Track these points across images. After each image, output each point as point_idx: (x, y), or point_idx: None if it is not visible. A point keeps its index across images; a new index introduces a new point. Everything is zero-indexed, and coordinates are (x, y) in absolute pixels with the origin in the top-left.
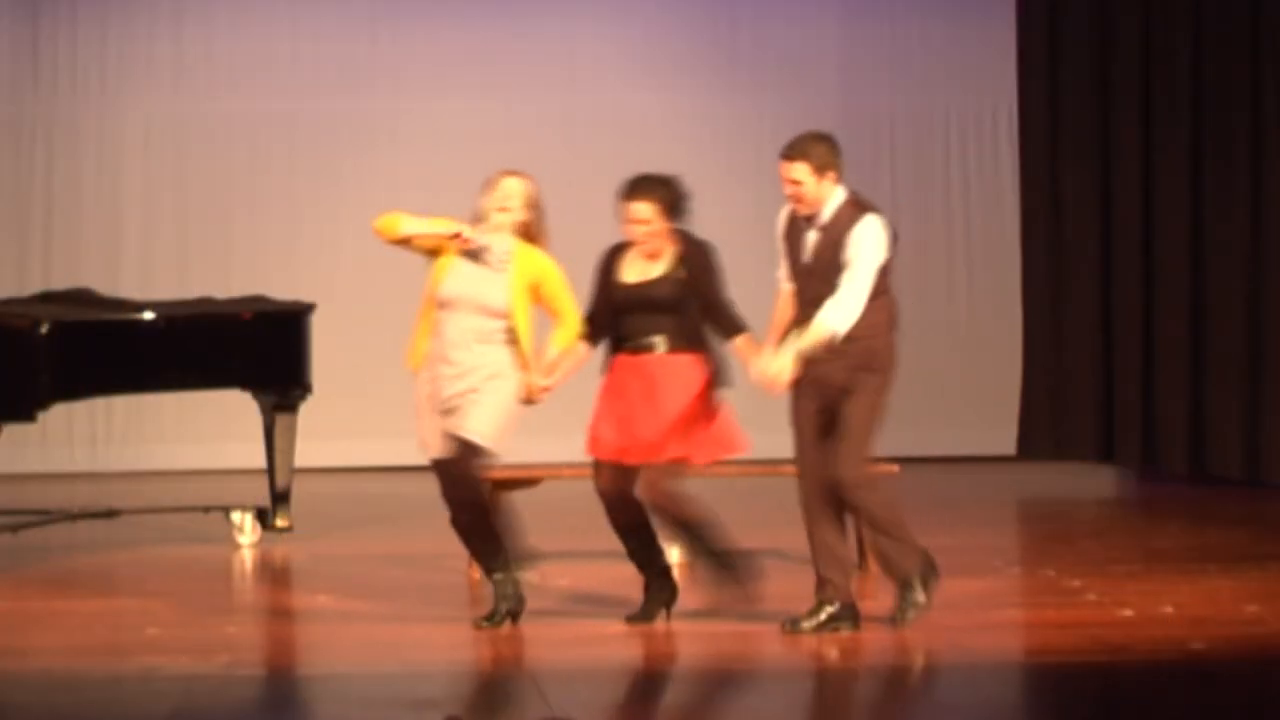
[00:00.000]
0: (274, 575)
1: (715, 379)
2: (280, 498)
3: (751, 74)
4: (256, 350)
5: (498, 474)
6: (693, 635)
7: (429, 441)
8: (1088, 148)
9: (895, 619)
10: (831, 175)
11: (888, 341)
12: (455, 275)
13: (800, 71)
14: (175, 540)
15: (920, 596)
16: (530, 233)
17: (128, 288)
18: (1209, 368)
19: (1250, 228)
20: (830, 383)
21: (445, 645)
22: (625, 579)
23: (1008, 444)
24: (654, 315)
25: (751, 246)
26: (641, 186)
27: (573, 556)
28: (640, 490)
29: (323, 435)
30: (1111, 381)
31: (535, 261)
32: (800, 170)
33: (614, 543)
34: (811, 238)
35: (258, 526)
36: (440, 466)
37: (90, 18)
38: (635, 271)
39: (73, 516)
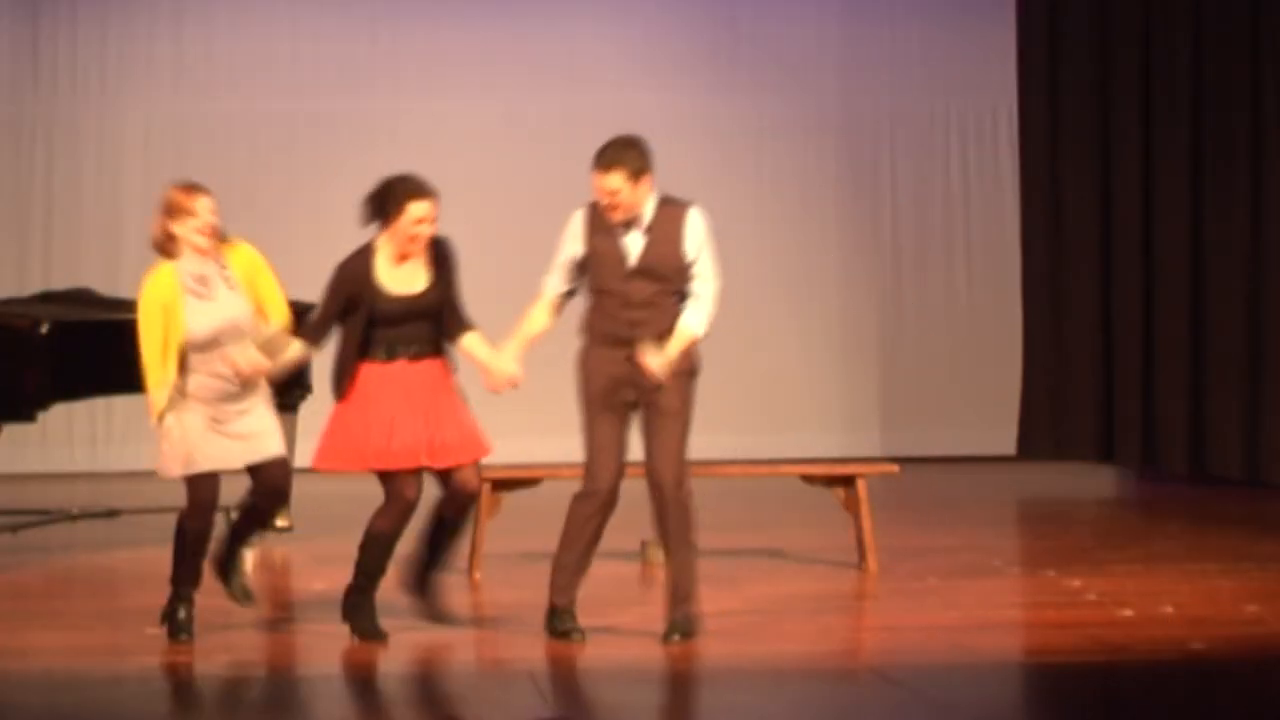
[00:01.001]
0: (274, 575)
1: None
2: None
3: (751, 74)
4: None
5: (498, 474)
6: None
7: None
8: (1088, 148)
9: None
10: (647, 180)
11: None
12: (197, 315)
13: (800, 71)
14: None
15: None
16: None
17: (128, 288)
18: (1209, 368)
19: (1250, 228)
20: (640, 383)
21: (445, 645)
22: (625, 579)
23: (1008, 444)
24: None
25: (751, 246)
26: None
27: None
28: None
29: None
30: (1111, 381)
31: (248, 256)
32: (616, 179)
33: (613, 543)
34: (635, 241)
35: None
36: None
37: (90, 18)
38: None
39: (73, 516)
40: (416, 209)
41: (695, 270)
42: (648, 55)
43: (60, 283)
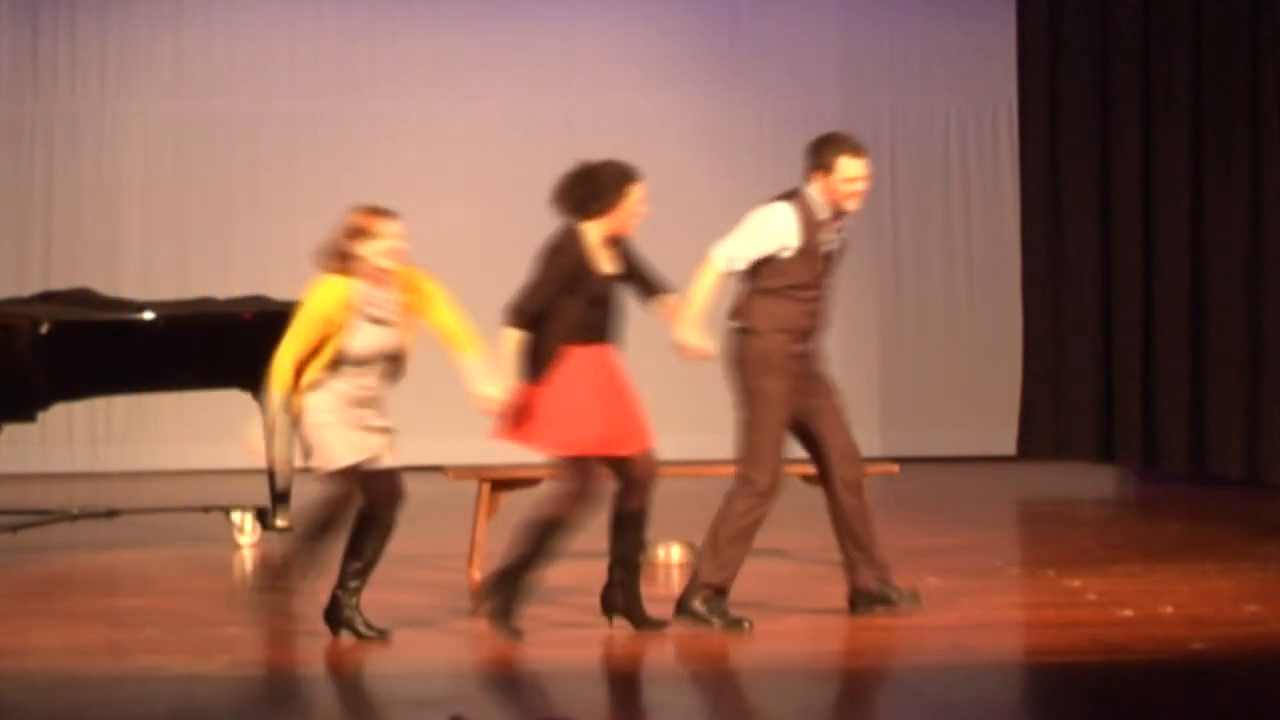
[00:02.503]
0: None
1: None
2: (280, 498)
3: (751, 74)
4: (256, 350)
5: (498, 474)
6: (692, 635)
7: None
8: (1088, 148)
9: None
10: None
11: None
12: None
13: (800, 71)
14: (175, 540)
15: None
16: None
17: (128, 288)
18: (1209, 368)
19: (1250, 228)
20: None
21: (445, 645)
22: None
23: (1008, 444)
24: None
25: None
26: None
27: (572, 556)
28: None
29: None
30: (1111, 381)
31: (422, 286)
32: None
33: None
34: (840, 239)
35: (258, 526)
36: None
37: (90, 18)
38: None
39: (73, 516)
40: (638, 190)
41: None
42: (648, 55)
43: (60, 283)
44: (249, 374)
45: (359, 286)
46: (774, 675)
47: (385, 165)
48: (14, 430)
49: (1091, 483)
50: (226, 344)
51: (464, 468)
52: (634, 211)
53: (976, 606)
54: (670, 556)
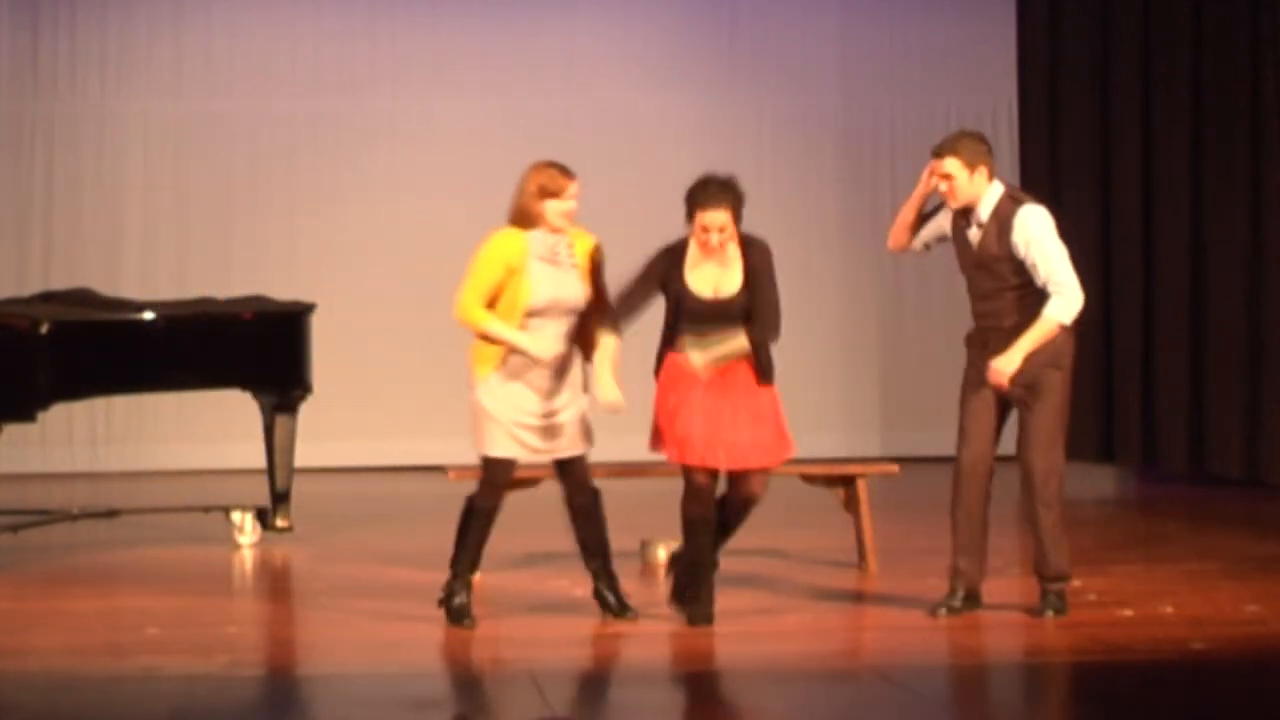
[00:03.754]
0: (274, 575)
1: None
2: (280, 498)
3: (751, 74)
4: (256, 350)
5: None
6: (692, 635)
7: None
8: (1087, 147)
9: (1038, 611)
10: (983, 171)
11: (1069, 337)
12: (543, 281)
13: (800, 71)
14: (175, 540)
15: (1063, 594)
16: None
17: (128, 288)
18: (1209, 368)
19: (1250, 227)
20: (1016, 380)
21: (445, 645)
22: (625, 579)
23: (1008, 444)
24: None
25: None
26: (718, 194)
27: (573, 556)
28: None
29: (323, 435)
30: (1111, 381)
31: (591, 246)
32: (952, 165)
33: (613, 543)
34: (973, 234)
35: (258, 526)
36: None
37: (90, 18)
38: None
39: (73, 516)
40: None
41: (1037, 267)
42: (648, 55)
43: (60, 283)
44: (249, 374)
45: (536, 236)
46: (774, 675)
47: (385, 165)
48: (14, 430)
49: (1091, 483)
50: (226, 344)
51: (464, 468)
52: (697, 237)
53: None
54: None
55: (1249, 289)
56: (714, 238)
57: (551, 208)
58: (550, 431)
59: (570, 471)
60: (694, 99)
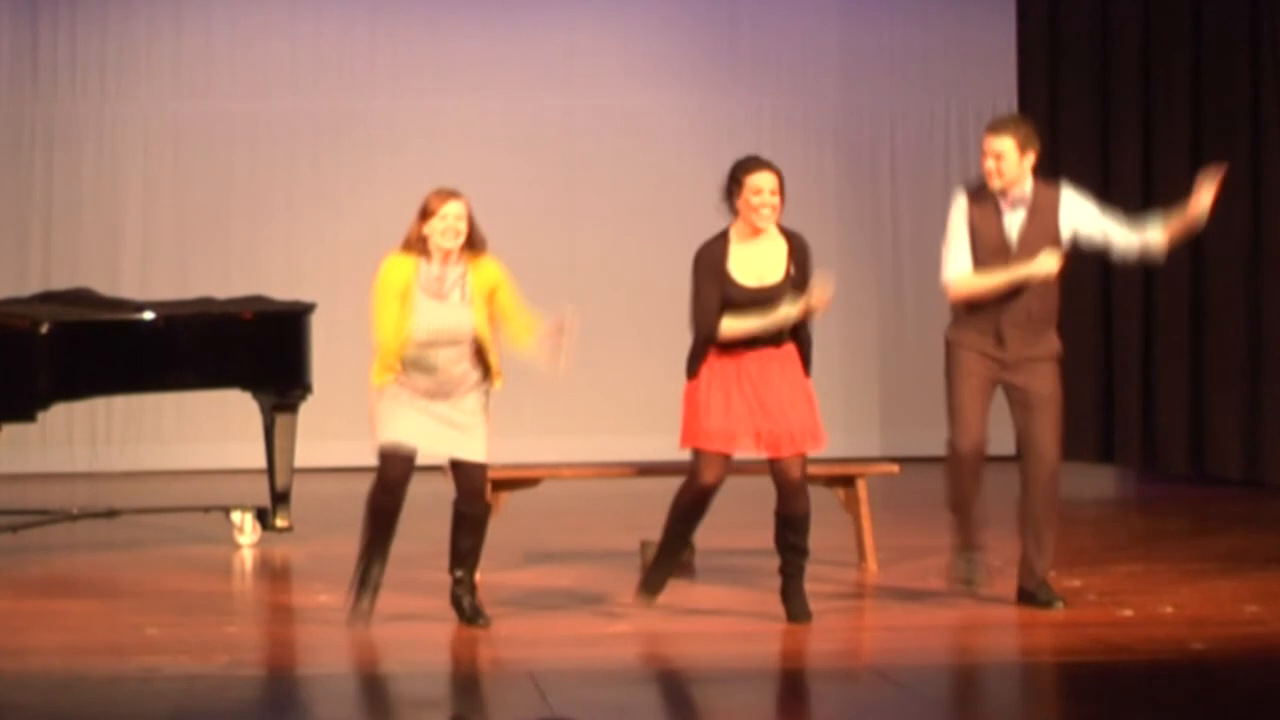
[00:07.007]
0: (274, 575)
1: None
2: (280, 498)
3: (751, 74)
4: (256, 350)
5: (498, 474)
6: (692, 635)
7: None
8: (1087, 147)
9: (1048, 602)
10: (1031, 156)
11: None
12: (424, 313)
13: (800, 71)
14: (175, 540)
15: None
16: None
17: (128, 288)
18: (1209, 368)
19: (1250, 227)
20: (1019, 371)
21: (445, 645)
22: (625, 579)
23: (1008, 444)
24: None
25: None
26: (764, 161)
27: (573, 556)
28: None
29: (323, 435)
30: (1111, 381)
31: (490, 271)
32: (1007, 144)
33: (613, 543)
34: (1016, 218)
35: (258, 526)
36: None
37: (90, 18)
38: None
39: (73, 516)
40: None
41: (1101, 223)
42: (648, 55)
43: (60, 283)
44: (249, 374)
45: (425, 264)
46: (774, 675)
47: (385, 165)
48: (14, 430)
49: (1091, 483)
50: (226, 344)
51: None
52: (750, 202)
53: (976, 606)
54: None
55: (1249, 289)
56: (766, 201)
57: (432, 229)
58: (450, 425)
59: (468, 477)
60: (694, 99)
